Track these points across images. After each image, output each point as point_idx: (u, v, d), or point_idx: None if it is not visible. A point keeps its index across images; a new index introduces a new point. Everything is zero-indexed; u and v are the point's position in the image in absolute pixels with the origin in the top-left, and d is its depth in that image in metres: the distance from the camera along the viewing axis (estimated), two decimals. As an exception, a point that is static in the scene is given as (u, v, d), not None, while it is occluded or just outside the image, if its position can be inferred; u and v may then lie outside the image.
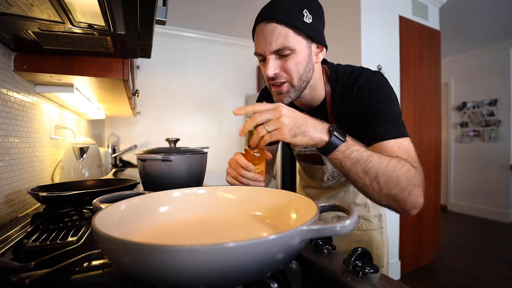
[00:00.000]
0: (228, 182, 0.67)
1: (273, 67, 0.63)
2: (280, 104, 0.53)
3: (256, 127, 0.53)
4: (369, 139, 0.62)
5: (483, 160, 3.75)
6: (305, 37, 0.63)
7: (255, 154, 0.64)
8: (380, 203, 0.57)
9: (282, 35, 0.60)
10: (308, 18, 0.62)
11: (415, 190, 0.53)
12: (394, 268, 2.13)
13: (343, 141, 0.52)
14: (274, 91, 0.68)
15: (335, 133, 0.52)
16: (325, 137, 0.52)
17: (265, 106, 0.52)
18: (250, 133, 0.58)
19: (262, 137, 0.53)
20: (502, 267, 2.31)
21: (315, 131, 0.52)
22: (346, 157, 0.53)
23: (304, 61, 0.64)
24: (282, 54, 0.62)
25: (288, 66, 0.63)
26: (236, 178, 0.65)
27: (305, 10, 0.62)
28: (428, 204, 2.33)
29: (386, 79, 0.69)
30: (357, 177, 0.54)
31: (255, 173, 0.64)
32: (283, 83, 0.65)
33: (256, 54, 0.67)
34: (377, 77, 0.68)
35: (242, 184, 0.64)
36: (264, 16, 0.62)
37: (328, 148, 0.52)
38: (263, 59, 0.66)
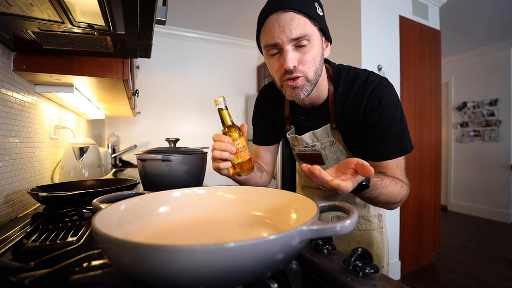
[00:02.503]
0: (214, 169, 0.66)
1: (292, 58, 0.61)
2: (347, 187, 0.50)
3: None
4: (373, 155, 0.69)
5: (483, 160, 3.75)
6: (319, 29, 0.63)
7: (234, 132, 0.65)
8: None
9: (301, 23, 0.59)
10: (319, 11, 0.62)
11: (400, 202, 0.68)
12: (394, 268, 2.13)
13: (364, 190, 0.57)
14: (289, 85, 0.64)
15: (364, 183, 0.55)
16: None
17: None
18: (220, 112, 0.65)
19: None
20: (503, 267, 2.31)
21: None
22: (362, 196, 0.62)
23: (319, 53, 0.64)
24: (300, 44, 0.61)
25: (306, 59, 0.62)
26: (213, 158, 0.64)
27: (316, 3, 0.62)
28: (428, 204, 2.32)
29: (393, 88, 0.69)
30: (362, 199, 0.65)
31: (238, 148, 0.64)
32: (299, 77, 0.63)
33: (268, 45, 0.63)
34: (386, 87, 0.67)
35: (222, 160, 0.63)
36: (280, 5, 0.60)
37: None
38: (275, 53, 0.63)
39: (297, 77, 0.63)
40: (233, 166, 0.66)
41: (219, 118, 0.66)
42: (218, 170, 0.66)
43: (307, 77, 0.64)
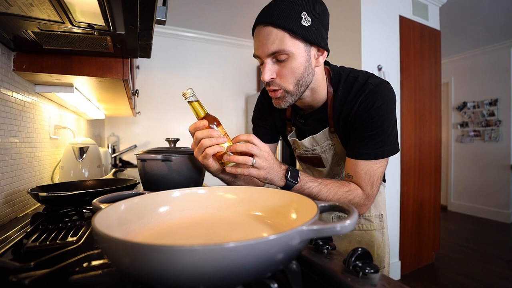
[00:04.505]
0: (202, 164, 0.65)
1: (269, 72, 0.63)
2: (264, 147, 0.61)
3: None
4: (352, 152, 0.70)
5: (484, 160, 3.75)
6: (303, 40, 0.61)
7: (213, 123, 0.63)
8: None
9: (278, 38, 0.60)
10: (306, 21, 0.60)
11: (358, 209, 0.69)
12: (394, 268, 2.13)
13: (296, 183, 0.64)
14: (271, 96, 0.69)
15: (289, 179, 0.64)
16: (282, 183, 0.65)
17: (256, 144, 0.61)
18: (191, 105, 0.63)
19: (240, 165, 0.62)
20: (503, 268, 2.31)
21: (278, 179, 0.64)
22: (300, 192, 0.64)
23: (301, 66, 0.63)
24: (278, 58, 0.62)
25: (284, 72, 0.63)
26: (199, 149, 0.62)
27: (303, 13, 0.60)
28: (428, 204, 2.32)
29: (392, 90, 0.68)
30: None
31: (225, 134, 0.64)
32: (277, 90, 0.66)
33: (254, 56, 0.67)
34: (383, 89, 0.67)
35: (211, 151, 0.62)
36: (261, 20, 0.61)
37: (285, 188, 0.64)
38: (262, 62, 0.66)
39: (276, 90, 0.66)
40: (222, 155, 0.63)
41: (192, 112, 0.63)
42: (205, 159, 0.63)
43: (286, 90, 0.65)
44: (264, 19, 0.61)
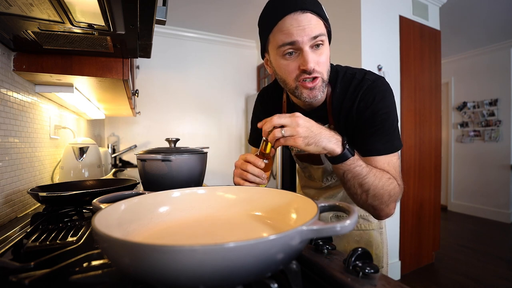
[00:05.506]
0: (235, 183, 0.68)
1: (313, 59, 0.61)
2: (297, 113, 0.56)
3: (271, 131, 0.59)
4: (363, 150, 0.67)
5: (484, 160, 3.75)
6: (327, 31, 0.65)
7: (264, 161, 0.65)
8: (360, 207, 0.67)
9: (318, 24, 0.61)
10: (326, 14, 0.65)
11: (392, 204, 0.64)
12: (394, 268, 2.13)
13: (352, 156, 0.58)
14: (307, 86, 0.64)
15: (348, 147, 0.58)
16: (338, 150, 0.58)
17: (283, 115, 0.57)
18: (261, 142, 0.64)
19: (278, 139, 0.57)
20: (503, 268, 2.31)
21: (329, 142, 0.57)
22: (350, 170, 0.59)
23: (329, 54, 0.66)
24: (317, 45, 0.62)
25: (322, 60, 0.63)
26: (242, 175, 0.66)
27: (323, 6, 0.64)
28: (428, 204, 2.32)
29: (389, 85, 0.69)
30: (352, 186, 0.62)
31: (267, 177, 0.67)
32: (316, 77, 0.64)
33: (285, 44, 0.61)
34: (381, 84, 0.68)
35: (249, 182, 0.65)
36: (298, 6, 0.60)
37: (338, 159, 0.59)
38: (290, 52, 0.62)
39: (315, 78, 0.64)
40: None
41: (261, 144, 0.64)
42: (238, 185, 0.67)
43: (323, 78, 0.65)
44: (302, 6, 0.60)
